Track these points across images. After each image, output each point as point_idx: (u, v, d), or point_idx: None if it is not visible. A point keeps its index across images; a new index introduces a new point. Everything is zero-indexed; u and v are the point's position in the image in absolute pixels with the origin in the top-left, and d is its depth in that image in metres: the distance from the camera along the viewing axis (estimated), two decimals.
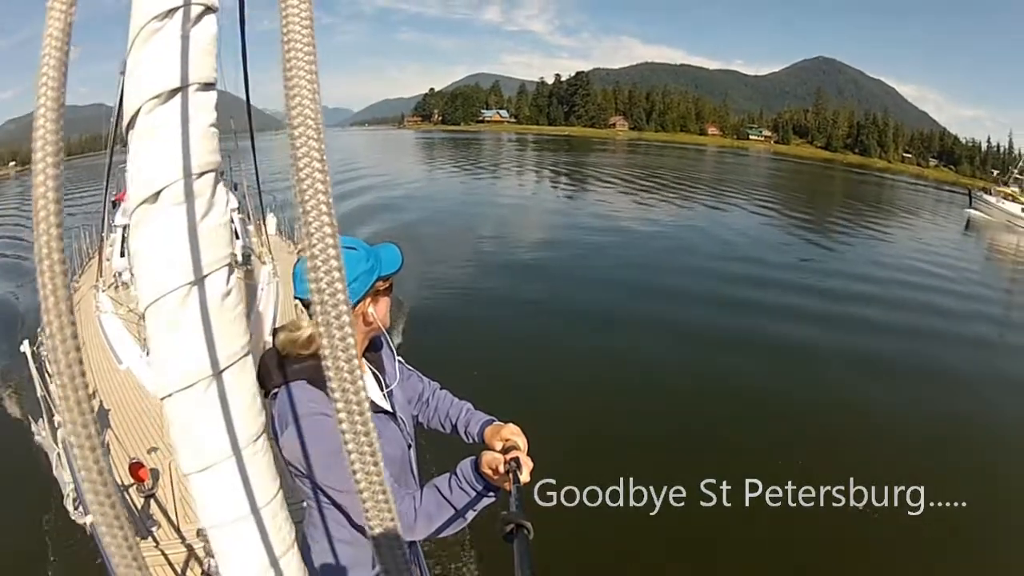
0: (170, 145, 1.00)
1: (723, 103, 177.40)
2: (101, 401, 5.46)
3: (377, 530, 0.58)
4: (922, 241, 30.49)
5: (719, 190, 44.41)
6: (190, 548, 3.67)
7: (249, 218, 10.94)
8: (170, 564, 3.66)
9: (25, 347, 4.78)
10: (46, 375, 5.14)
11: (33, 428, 4.32)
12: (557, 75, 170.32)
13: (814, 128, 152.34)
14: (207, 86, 1.05)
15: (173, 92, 1.01)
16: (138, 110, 1.03)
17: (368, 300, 1.81)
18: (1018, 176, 53.78)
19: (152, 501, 4.22)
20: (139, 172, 1.03)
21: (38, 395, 4.87)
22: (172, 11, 1.02)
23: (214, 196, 1.05)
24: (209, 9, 1.06)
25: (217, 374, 1.06)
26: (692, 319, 13.72)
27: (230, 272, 1.07)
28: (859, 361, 11.85)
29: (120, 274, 8.14)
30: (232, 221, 9.20)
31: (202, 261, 1.02)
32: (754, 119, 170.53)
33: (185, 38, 1.02)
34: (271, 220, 11.62)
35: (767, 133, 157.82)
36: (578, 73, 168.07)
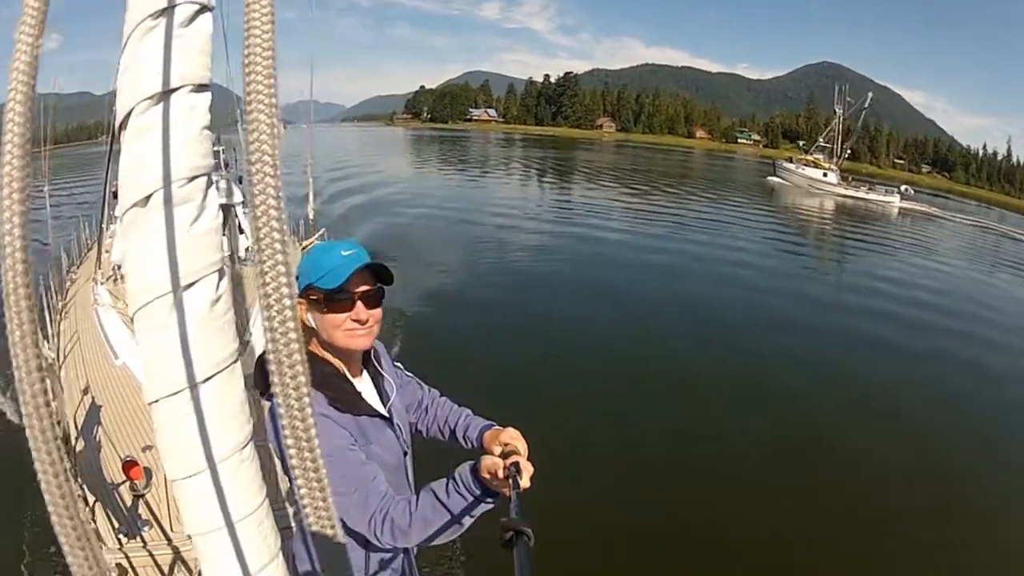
0: (162, 148, 0.99)
1: (713, 106, 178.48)
2: (94, 397, 5.36)
3: (314, 525, 0.58)
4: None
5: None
6: (177, 551, 3.59)
7: None
8: (157, 566, 3.58)
9: None
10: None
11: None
12: (546, 75, 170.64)
13: (805, 133, 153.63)
14: (201, 87, 1.04)
15: (166, 93, 1.00)
16: (130, 111, 1.02)
17: (305, 305, 1.79)
18: (823, 144, 59.17)
19: (142, 501, 4.13)
20: (130, 174, 1.02)
21: None
22: (166, 10, 1.01)
23: (205, 200, 1.04)
24: (204, 8, 1.06)
25: (204, 381, 1.05)
26: (700, 321, 13.97)
27: (220, 277, 1.06)
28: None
29: (119, 267, 7.95)
30: (237, 216, 9.10)
31: (192, 266, 1.01)
32: (745, 123, 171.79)
33: (179, 38, 1.01)
34: None
35: (756, 137, 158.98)
36: (566, 73, 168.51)
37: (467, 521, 1.63)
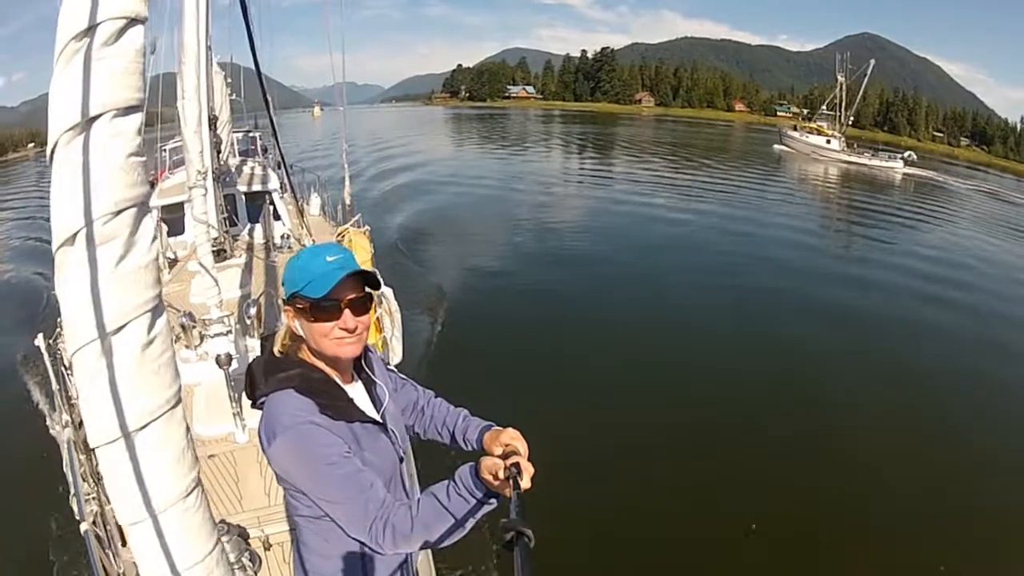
0: (85, 182, 0.90)
1: (752, 80, 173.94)
2: None
3: None
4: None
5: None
6: None
7: (294, 197, 10.01)
8: None
9: (39, 340, 4.49)
10: (62, 368, 4.96)
11: (48, 422, 4.13)
12: (583, 51, 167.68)
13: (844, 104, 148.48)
14: (128, 110, 0.94)
15: (89, 122, 0.91)
16: (56, 143, 0.93)
17: (292, 312, 1.73)
18: (826, 112, 60.04)
19: None
20: (56, 212, 0.93)
21: (53, 388, 4.64)
22: (91, 29, 0.91)
23: (135, 234, 0.94)
24: (134, 21, 0.95)
25: (139, 429, 0.98)
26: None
27: (154, 317, 0.97)
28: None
29: None
30: (273, 203, 8.96)
31: (120, 308, 0.93)
32: (784, 96, 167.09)
33: (100, 60, 0.91)
34: (315, 200, 11.18)
35: (795, 110, 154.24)
36: (603, 49, 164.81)
37: (469, 523, 1.58)
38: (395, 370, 2.12)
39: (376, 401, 1.92)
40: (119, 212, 0.93)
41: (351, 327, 1.71)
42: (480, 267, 15.41)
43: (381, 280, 1.81)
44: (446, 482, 1.61)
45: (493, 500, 1.57)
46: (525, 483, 1.46)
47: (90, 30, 0.92)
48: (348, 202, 9.81)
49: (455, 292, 12.93)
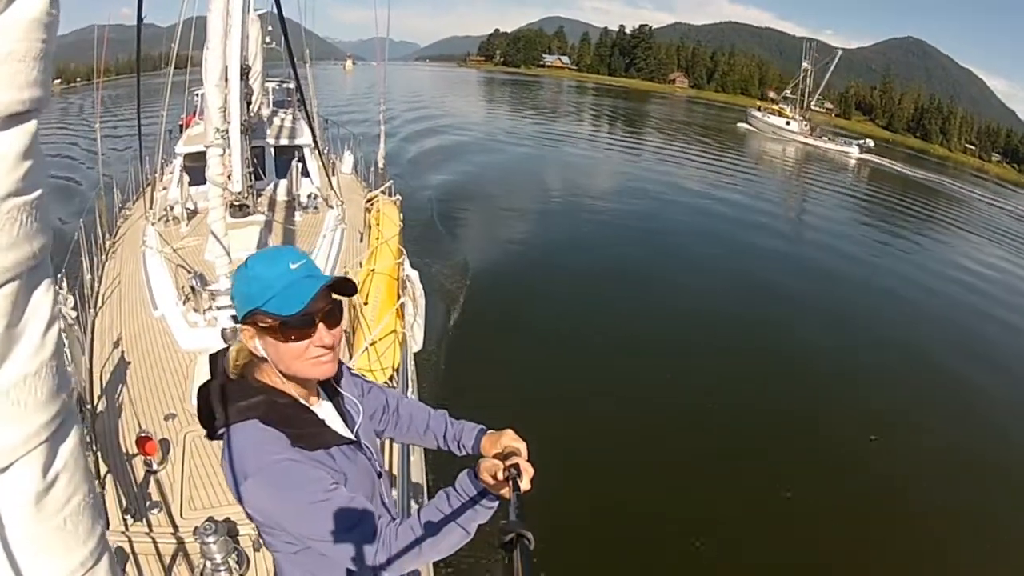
0: None
1: (787, 70, 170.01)
2: (123, 352, 4.66)
3: None
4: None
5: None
6: (182, 542, 3.13)
7: (320, 155, 9.03)
8: (159, 556, 3.08)
9: None
10: None
11: None
12: (621, 26, 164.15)
13: (878, 107, 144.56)
14: (12, 119, 0.54)
15: None
16: None
17: (252, 331, 1.44)
18: (788, 96, 64.04)
19: (154, 480, 3.56)
20: None
21: None
22: None
23: (17, 324, 0.56)
24: None
25: None
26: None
27: (55, 445, 0.61)
28: None
29: (172, 207, 7.16)
30: (303, 160, 8.39)
31: (3, 439, 0.56)
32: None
33: None
34: (348, 158, 10.40)
35: (829, 106, 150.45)
36: (641, 26, 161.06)
37: (473, 527, 1.50)
38: (359, 375, 1.86)
39: (347, 417, 1.68)
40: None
41: (328, 344, 1.46)
42: (509, 241, 15.09)
43: (357, 284, 1.50)
44: (444, 492, 1.52)
45: (494, 502, 1.49)
46: (525, 484, 1.39)
47: None
48: (381, 165, 9.33)
49: (481, 267, 12.58)
